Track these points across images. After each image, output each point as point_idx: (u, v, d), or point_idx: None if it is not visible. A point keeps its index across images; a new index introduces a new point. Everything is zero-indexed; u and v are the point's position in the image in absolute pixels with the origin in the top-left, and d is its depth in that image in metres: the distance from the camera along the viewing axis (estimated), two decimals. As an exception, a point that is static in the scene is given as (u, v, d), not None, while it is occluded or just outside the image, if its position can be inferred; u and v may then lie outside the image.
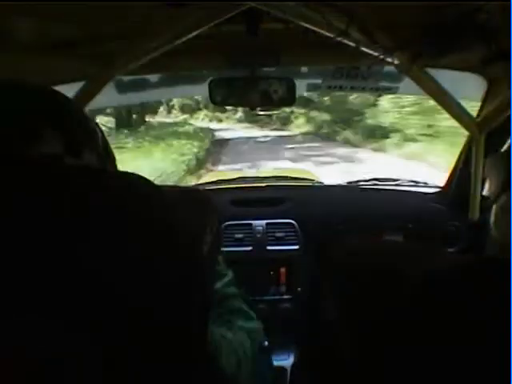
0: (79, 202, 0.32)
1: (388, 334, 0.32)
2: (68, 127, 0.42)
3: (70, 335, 0.29)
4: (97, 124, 0.50)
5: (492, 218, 0.45)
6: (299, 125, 16.12)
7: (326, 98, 14.13)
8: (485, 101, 1.27)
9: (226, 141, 13.37)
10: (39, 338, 0.29)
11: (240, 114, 20.87)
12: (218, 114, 23.31)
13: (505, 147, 0.47)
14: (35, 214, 0.31)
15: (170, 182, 5.33)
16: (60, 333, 0.29)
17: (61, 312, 0.29)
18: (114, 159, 0.51)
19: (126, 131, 12.35)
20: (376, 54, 0.97)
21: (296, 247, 1.55)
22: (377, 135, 10.85)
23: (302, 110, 15.80)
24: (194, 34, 0.90)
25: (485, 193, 0.47)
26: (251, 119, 19.33)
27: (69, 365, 0.29)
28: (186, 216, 0.43)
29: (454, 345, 0.29)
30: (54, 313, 0.29)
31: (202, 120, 23.27)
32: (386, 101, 11.16)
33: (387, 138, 10.40)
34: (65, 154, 0.40)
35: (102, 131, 0.50)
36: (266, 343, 1.29)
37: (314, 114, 15.27)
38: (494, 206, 0.44)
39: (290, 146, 11.33)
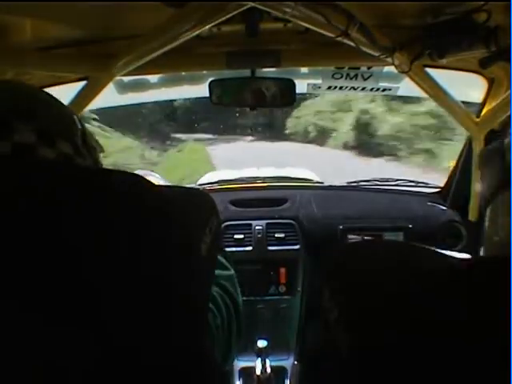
0: (78, 202, 0.32)
1: (388, 334, 0.32)
2: (41, 119, 0.43)
3: (66, 331, 0.29)
4: (78, 119, 0.50)
5: (487, 219, 0.44)
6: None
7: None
8: (485, 101, 1.27)
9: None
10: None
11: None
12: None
13: (496, 144, 0.45)
14: (31, 209, 0.31)
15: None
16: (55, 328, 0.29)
17: (60, 308, 0.29)
18: (94, 150, 0.50)
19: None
20: (376, 54, 0.97)
21: (296, 247, 1.55)
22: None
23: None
24: (194, 34, 0.89)
25: (481, 191, 0.46)
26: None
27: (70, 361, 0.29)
28: (186, 215, 0.43)
29: (454, 345, 0.29)
30: (49, 309, 0.29)
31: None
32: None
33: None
34: (38, 143, 0.41)
35: (83, 125, 0.50)
36: (266, 343, 1.29)
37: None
38: (489, 207, 0.44)
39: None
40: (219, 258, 0.66)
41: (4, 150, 0.38)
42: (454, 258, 0.40)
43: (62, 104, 0.49)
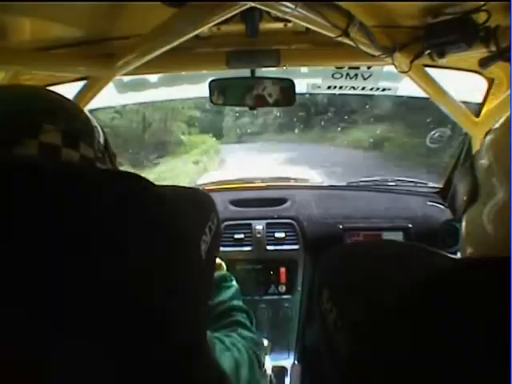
0: (79, 201, 0.32)
1: (387, 335, 0.32)
2: (67, 122, 0.44)
3: (69, 338, 0.29)
4: (100, 126, 0.52)
5: (463, 228, 0.46)
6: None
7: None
8: (485, 100, 1.27)
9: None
10: (31, 337, 0.29)
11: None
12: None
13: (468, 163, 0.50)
14: (36, 210, 0.31)
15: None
16: (59, 334, 0.29)
17: (59, 313, 0.29)
18: (114, 157, 0.52)
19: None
20: (376, 54, 0.97)
21: (296, 247, 1.55)
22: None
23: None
24: (194, 34, 0.89)
25: (458, 201, 0.48)
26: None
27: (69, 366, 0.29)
28: (185, 215, 0.43)
29: (453, 346, 0.29)
30: (50, 314, 0.29)
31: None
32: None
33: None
34: (63, 145, 0.42)
35: (103, 130, 0.52)
36: (266, 343, 1.29)
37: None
38: (464, 217, 0.46)
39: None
40: (248, 324, 0.66)
41: (31, 149, 0.39)
42: (454, 258, 0.40)
43: (85, 113, 0.51)
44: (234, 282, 0.71)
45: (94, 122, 0.50)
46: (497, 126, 0.43)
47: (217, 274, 0.68)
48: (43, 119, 0.41)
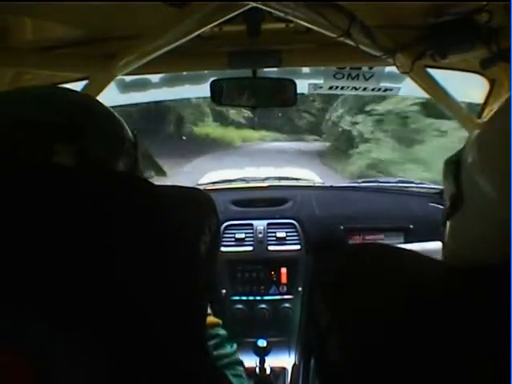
0: (82, 204, 0.32)
1: (381, 340, 0.32)
2: (86, 141, 0.40)
3: (71, 334, 0.29)
4: (135, 141, 0.47)
5: (447, 232, 0.44)
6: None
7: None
8: (486, 101, 1.26)
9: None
10: (39, 337, 0.29)
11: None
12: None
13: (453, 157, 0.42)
14: (44, 213, 0.31)
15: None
16: (60, 332, 0.29)
17: (62, 311, 0.30)
18: (140, 174, 0.48)
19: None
20: (377, 54, 0.97)
21: (297, 247, 1.55)
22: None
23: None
24: (196, 34, 0.89)
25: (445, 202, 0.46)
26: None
27: (71, 363, 0.29)
28: (185, 216, 0.43)
29: (448, 347, 0.29)
30: (55, 312, 0.29)
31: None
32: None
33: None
34: (76, 166, 0.39)
35: (136, 149, 0.46)
36: (266, 343, 1.29)
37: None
38: (448, 223, 0.44)
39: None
40: (244, 376, 0.65)
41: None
42: (450, 264, 0.40)
43: (119, 125, 0.46)
44: (234, 344, 0.69)
45: (125, 132, 0.45)
46: (485, 120, 0.40)
47: (212, 331, 0.66)
48: (59, 137, 0.38)
